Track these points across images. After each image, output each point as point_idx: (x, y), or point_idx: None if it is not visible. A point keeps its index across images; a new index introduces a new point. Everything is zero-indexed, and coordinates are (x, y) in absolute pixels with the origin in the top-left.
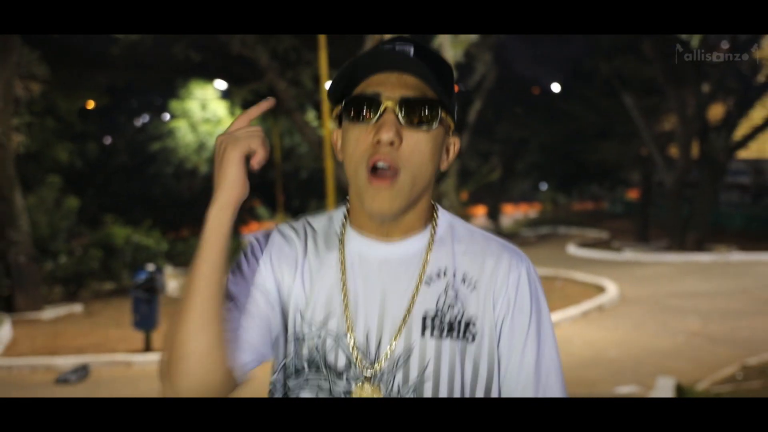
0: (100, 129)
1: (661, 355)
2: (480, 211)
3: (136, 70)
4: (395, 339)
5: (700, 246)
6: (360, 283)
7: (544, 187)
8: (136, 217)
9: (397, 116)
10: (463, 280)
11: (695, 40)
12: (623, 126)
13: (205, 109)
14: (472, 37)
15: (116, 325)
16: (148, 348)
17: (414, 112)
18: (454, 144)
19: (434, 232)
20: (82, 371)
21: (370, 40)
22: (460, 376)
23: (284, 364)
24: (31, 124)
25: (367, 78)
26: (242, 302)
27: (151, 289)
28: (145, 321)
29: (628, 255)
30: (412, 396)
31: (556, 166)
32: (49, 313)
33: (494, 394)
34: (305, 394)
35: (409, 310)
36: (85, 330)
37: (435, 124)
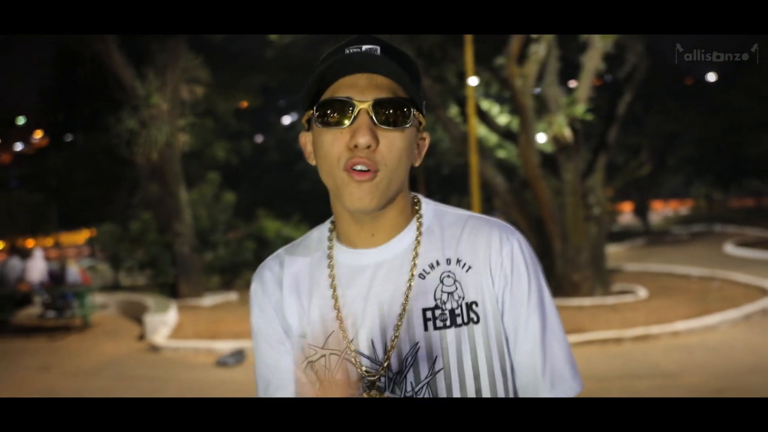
0: (253, 128)
1: None
2: (627, 207)
3: (288, 71)
4: (398, 339)
5: None
6: (355, 294)
7: (697, 182)
8: (285, 211)
9: (371, 118)
10: (458, 264)
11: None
12: None
13: None
14: None
15: None
16: None
17: (387, 112)
18: (425, 139)
19: (420, 224)
20: (239, 355)
21: (516, 40)
22: (470, 361)
23: (309, 388)
24: (193, 124)
25: (337, 81)
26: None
27: None
28: None
29: None
30: (426, 393)
31: (712, 160)
32: (208, 300)
33: (508, 370)
34: None
35: (404, 307)
36: (240, 317)
37: (408, 123)
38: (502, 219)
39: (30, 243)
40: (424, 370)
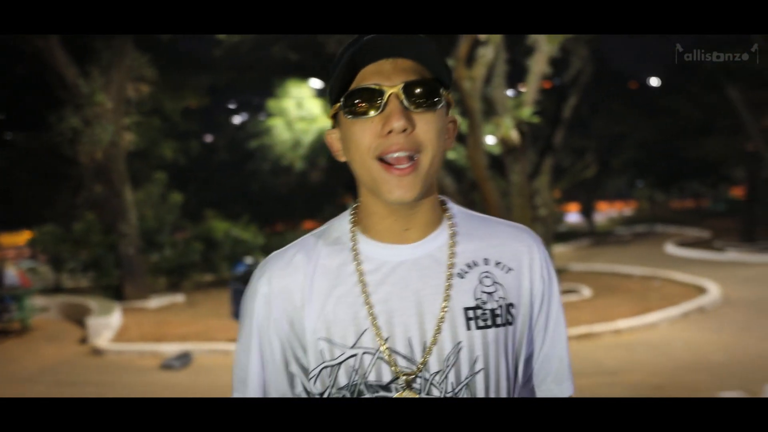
0: (202, 127)
1: None
2: (573, 208)
3: (236, 70)
4: (439, 338)
5: None
6: (389, 291)
7: (640, 184)
8: (234, 211)
9: (401, 102)
10: (498, 266)
11: None
12: (727, 120)
13: (301, 108)
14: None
15: (215, 315)
16: None
17: (418, 94)
18: (455, 122)
19: (452, 224)
20: (185, 358)
21: (464, 43)
22: (504, 362)
23: (323, 396)
24: (140, 123)
25: (360, 70)
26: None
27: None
28: None
29: (732, 255)
30: (465, 393)
31: (655, 162)
32: (154, 302)
33: (528, 372)
34: None
35: (446, 307)
36: (187, 319)
37: (440, 103)
38: None
39: None
40: (464, 370)
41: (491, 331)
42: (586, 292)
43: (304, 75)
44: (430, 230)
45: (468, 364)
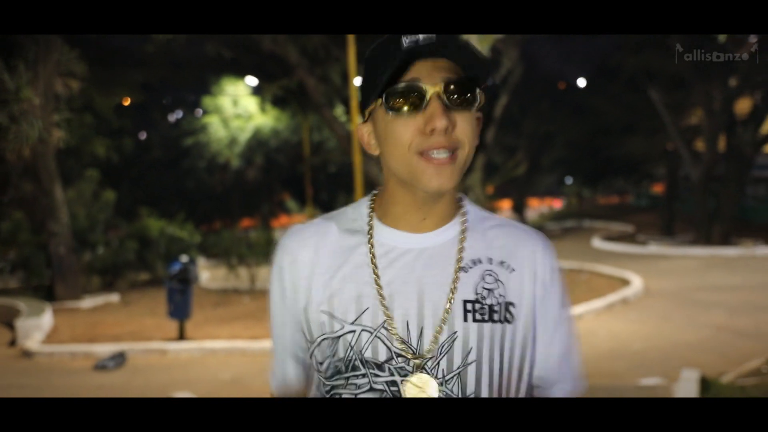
0: (136, 125)
1: (686, 347)
2: (506, 204)
3: (170, 67)
4: (439, 327)
5: (726, 240)
6: (394, 275)
7: (569, 181)
8: (170, 209)
9: (443, 101)
10: (502, 265)
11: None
12: (648, 121)
13: (237, 105)
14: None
15: (151, 314)
16: (182, 336)
17: (458, 93)
18: (480, 119)
19: (465, 220)
20: (120, 358)
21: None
22: (499, 358)
23: (321, 366)
24: (70, 120)
25: (402, 67)
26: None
27: (185, 280)
28: (179, 310)
29: (653, 248)
30: (456, 383)
31: (582, 160)
32: (87, 303)
33: (525, 372)
34: (347, 392)
35: (451, 299)
36: (121, 319)
37: (477, 103)
38: None
39: None
40: (457, 360)
41: (487, 326)
42: None
43: (239, 72)
44: (443, 223)
45: (461, 355)
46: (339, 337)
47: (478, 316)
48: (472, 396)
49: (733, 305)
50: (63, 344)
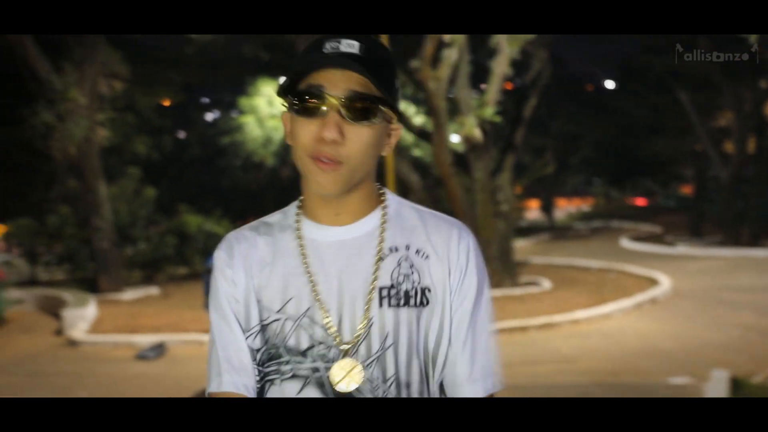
0: (175, 124)
1: (715, 347)
2: (534, 204)
3: (209, 68)
4: (357, 315)
5: (754, 241)
6: (316, 266)
7: (597, 181)
8: (207, 206)
9: (340, 113)
10: (417, 252)
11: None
12: (676, 122)
13: (272, 105)
14: (529, 35)
15: (189, 307)
16: None
17: (356, 108)
18: (397, 130)
19: (385, 213)
20: (159, 349)
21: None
22: (416, 340)
23: (256, 354)
24: (113, 119)
25: (312, 73)
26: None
27: None
28: None
29: (681, 249)
30: (376, 367)
31: (609, 161)
32: (129, 295)
33: (442, 352)
34: (274, 379)
35: (368, 288)
36: (161, 311)
37: (376, 119)
38: None
39: None
40: (375, 345)
41: (403, 310)
42: (546, 284)
43: (275, 73)
44: (360, 216)
45: (379, 340)
46: (266, 325)
47: (393, 302)
48: (392, 378)
49: (761, 306)
50: (106, 334)
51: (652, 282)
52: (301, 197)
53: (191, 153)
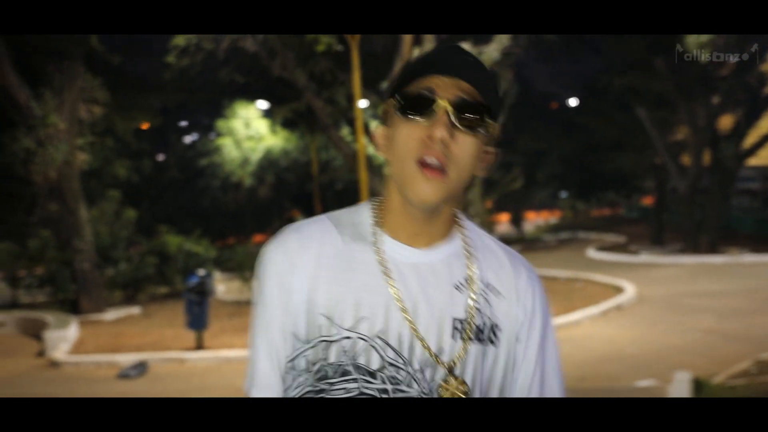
0: (154, 147)
1: (678, 351)
2: (504, 217)
3: (186, 92)
4: (428, 341)
5: (712, 248)
6: (395, 287)
7: (563, 194)
8: (187, 226)
9: (449, 116)
10: (489, 288)
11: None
12: (637, 137)
13: (249, 127)
14: (494, 56)
15: (170, 326)
16: (199, 346)
17: (466, 115)
18: (490, 153)
19: (465, 238)
20: (141, 367)
21: (398, 66)
22: (479, 377)
23: (312, 367)
24: (93, 143)
25: (422, 77)
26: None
27: (202, 293)
28: (197, 321)
29: (645, 257)
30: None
31: (575, 175)
32: (110, 315)
33: (505, 396)
34: (334, 396)
35: (442, 316)
36: (143, 330)
37: (483, 130)
38: None
39: None
40: (439, 374)
41: (473, 345)
42: None
43: (251, 96)
44: (438, 240)
45: (445, 371)
46: (334, 342)
47: (465, 335)
48: None
49: (720, 310)
50: (88, 354)
51: (618, 290)
52: (374, 205)
53: (170, 175)
